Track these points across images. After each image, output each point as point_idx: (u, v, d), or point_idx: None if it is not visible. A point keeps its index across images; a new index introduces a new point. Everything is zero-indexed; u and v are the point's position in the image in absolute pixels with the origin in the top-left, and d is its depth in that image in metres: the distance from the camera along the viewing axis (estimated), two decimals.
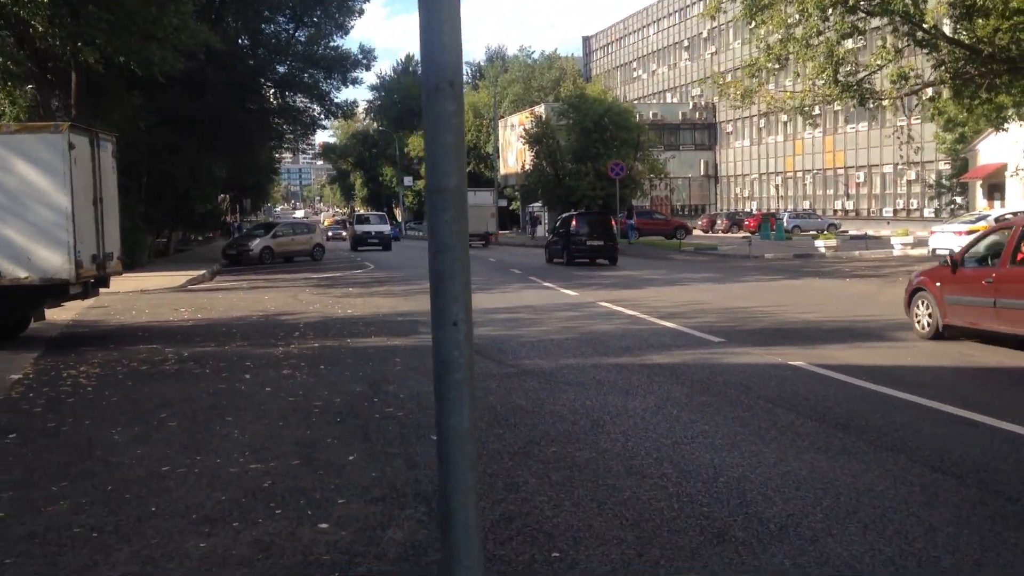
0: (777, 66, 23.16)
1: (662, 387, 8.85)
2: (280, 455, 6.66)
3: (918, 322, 12.23)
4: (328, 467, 6.34)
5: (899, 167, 59.16)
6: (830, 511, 5.26)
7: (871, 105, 25.83)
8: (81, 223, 12.07)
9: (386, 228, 50.27)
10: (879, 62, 21.99)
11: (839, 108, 62.61)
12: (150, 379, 9.89)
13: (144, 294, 21.19)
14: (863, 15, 21.76)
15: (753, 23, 23.25)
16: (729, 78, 28.47)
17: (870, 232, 51.15)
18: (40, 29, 22.11)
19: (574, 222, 30.37)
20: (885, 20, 22.34)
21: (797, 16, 21.93)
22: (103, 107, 27.26)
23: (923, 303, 12.14)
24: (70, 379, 9.93)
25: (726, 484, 5.76)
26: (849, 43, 22.46)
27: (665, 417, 7.58)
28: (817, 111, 57.31)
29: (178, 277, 25.17)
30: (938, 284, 11.86)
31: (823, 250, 31.87)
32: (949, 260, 11.96)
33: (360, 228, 50.10)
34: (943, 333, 11.71)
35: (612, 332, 12.94)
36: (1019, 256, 10.73)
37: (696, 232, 59.33)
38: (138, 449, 6.94)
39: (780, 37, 22.32)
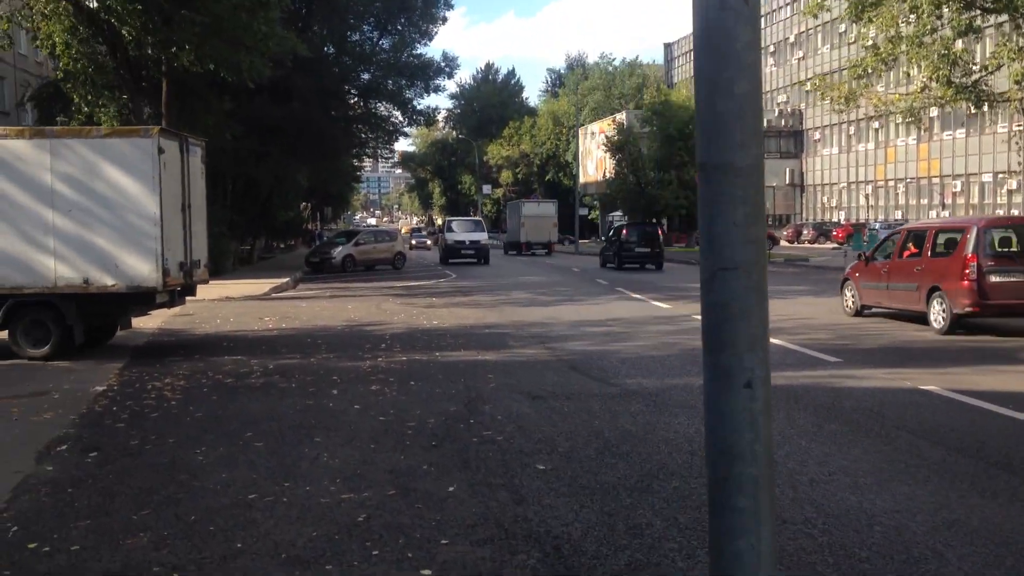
0: (884, 67, 21.93)
1: (783, 412, 8.07)
2: (374, 483, 6.12)
3: (845, 303, 16.62)
4: (427, 499, 5.76)
5: (1000, 176, 56.63)
6: (1015, 572, 4.47)
7: (987, 108, 24.34)
8: (169, 230, 11.81)
9: (483, 236, 41.13)
10: (997, 62, 20.61)
11: (949, 111, 60.53)
12: (235, 393, 9.49)
13: (229, 302, 21.09)
14: (979, 11, 20.41)
15: (860, 21, 22.01)
16: (830, 80, 26.99)
17: None
18: (132, 36, 22.28)
19: (624, 231, 34.56)
20: (1005, 17, 20.98)
21: (908, 14, 20.62)
22: (192, 114, 27.42)
23: (848, 289, 16.60)
24: (154, 392, 9.59)
25: (883, 534, 5.00)
26: (961, 43, 21.13)
27: (795, 449, 6.82)
28: (935, 112, 55.33)
29: (262, 285, 25.11)
30: (857, 275, 16.30)
31: None
32: (862, 256, 16.59)
33: (452, 237, 41.00)
34: (861, 311, 16.08)
35: None
36: (904, 253, 15.17)
37: (782, 243, 57.72)
38: (223, 473, 6.47)
39: (889, 36, 21.05)
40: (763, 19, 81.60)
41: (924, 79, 21.90)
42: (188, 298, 14.04)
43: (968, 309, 13.07)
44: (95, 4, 22.59)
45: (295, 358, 11.85)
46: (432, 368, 10.91)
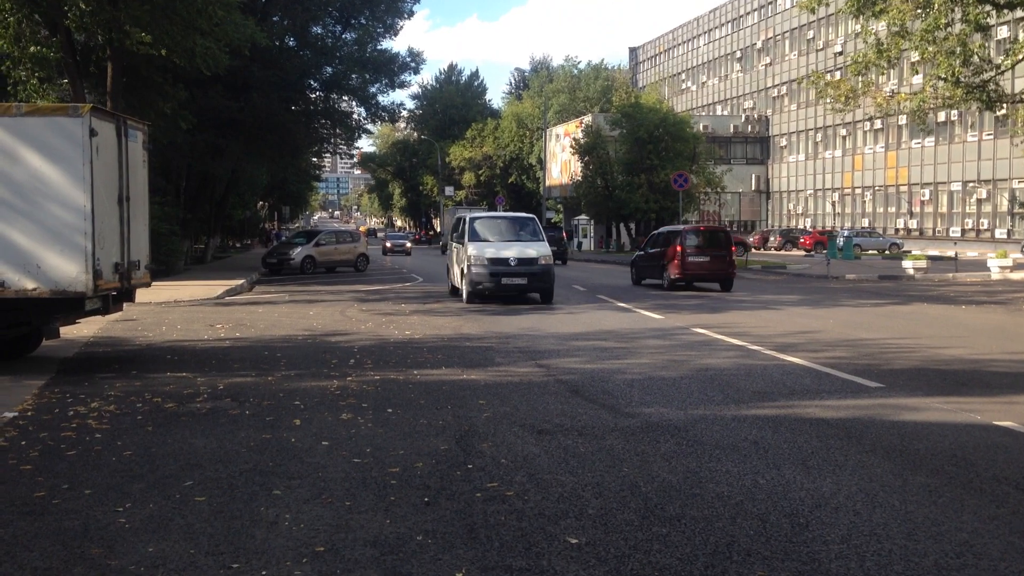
0: (886, 64, 20.71)
1: (849, 457, 6.63)
2: (354, 566, 4.55)
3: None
4: None
5: (969, 185, 56.26)
6: None
7: (998, 112, 23.30)
8: (102, 225, 10.09)
9: (542, 250, 20.03)
10: (1013, 60, 19.45)
11: (956, 113, 59.98)
12: (176, 423, 7.84)
13: (177, 306, 19.30)
14: (991, 6, 19.20)
15: (862, 16, 20.76)
16: (830, 77, 25.43)
17: (935, 252, 48.37)
18: (75, 14, 20.41)
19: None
20: (1020, 12, 19.86)
21: (920, 7, 19.37)
22: (142, 102, 25.50)
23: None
24: (76, 420, 7.90)
25: None
26: (979, 37, 19.93)
27: (892, 514, 5.36)
28: (903, 120, 54.52)
29: (215, 287, 23.30)
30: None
31: (911, 271, 29.31)
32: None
33: (482, 251, 19.77)
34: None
35: (730, 369, 10.72)
36: (677, 247, 23.74)
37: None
38: (151, 545, 4.86)
39: (894, 30, 19.83)
40: (730, 24, 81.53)
41: (935, 76, 20.64)
42: (126, 304, 12.31)
43: (676, 276, 23.84)
44: None
45: (250, 376, 10.19)
46: (411, 390, 9.33)
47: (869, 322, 16.16)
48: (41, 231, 9.76)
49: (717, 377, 10.14)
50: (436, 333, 14.39)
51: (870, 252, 53.57)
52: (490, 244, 19.72)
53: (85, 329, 13.99)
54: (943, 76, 19.64)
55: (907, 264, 30.01)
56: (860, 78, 21.94)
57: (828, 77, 25.88)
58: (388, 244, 58.59)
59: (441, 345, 12.93)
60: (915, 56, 21.14)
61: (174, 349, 12.44)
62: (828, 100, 23.56)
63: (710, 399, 8.89)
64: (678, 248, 24.09)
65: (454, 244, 22.14)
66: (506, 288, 19.36)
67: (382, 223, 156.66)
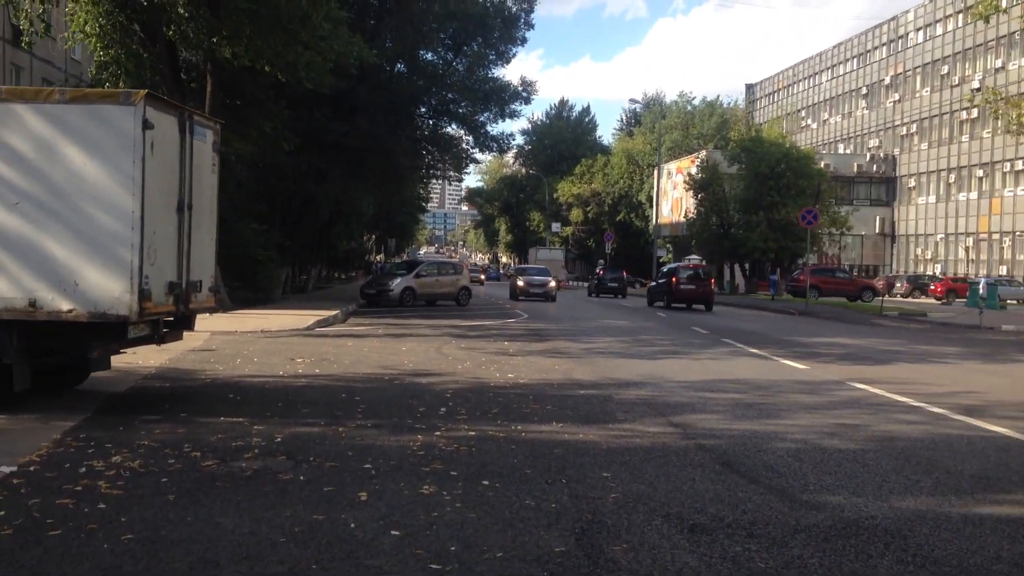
0: None
1: None
2: None
3: None
4: None
5: None
6: None
7: None
8: (154, 237, 8.45)
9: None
10: None
11: None
12: (208, 490, 5.99)
13: (263, 336, 17.80)
14: None
15: None
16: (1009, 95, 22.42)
17: None
18: (173, 21, 19.42)
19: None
20: None
21: None
22: (243, 119, 24.50)
23: None
24: (85, 480, 6.14)
25: None
26: None
27: None
28: None
29: (307, 317, 21.83)
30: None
31: None
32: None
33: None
34: None
35: (922, 440, 8.34)
36: (674, 279, 34.34)
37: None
38: None
39: None
40: (856, 60, 77.88)
41: None
42: (197, 331, 10.70)
43: (673, 298, 33.26)
44: None
45: (318, 424, 8.33)
46: (513, 453, 7.30)
47: None
48: (80, 241, 8.16)
49: (910, 451, 7.79)
50: (543, 377, 12.35)
51: (1010, 302, 49.20)
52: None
53: (152, 358, 12.47)
54: None
55: None
56: None
57: (1003, 93, 22.88)
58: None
59: (550, 392, 10.88)
60: None
61: (240, 386, 10.72)
62: (1004, 122, 20.64)
63: (916, 485, 6.58)
64: (674, 280, 34.45)
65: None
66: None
67: (487, 259, 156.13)
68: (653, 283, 37.66)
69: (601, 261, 69.23)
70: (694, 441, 8.06)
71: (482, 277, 71.96)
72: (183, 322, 9.57)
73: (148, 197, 8.28)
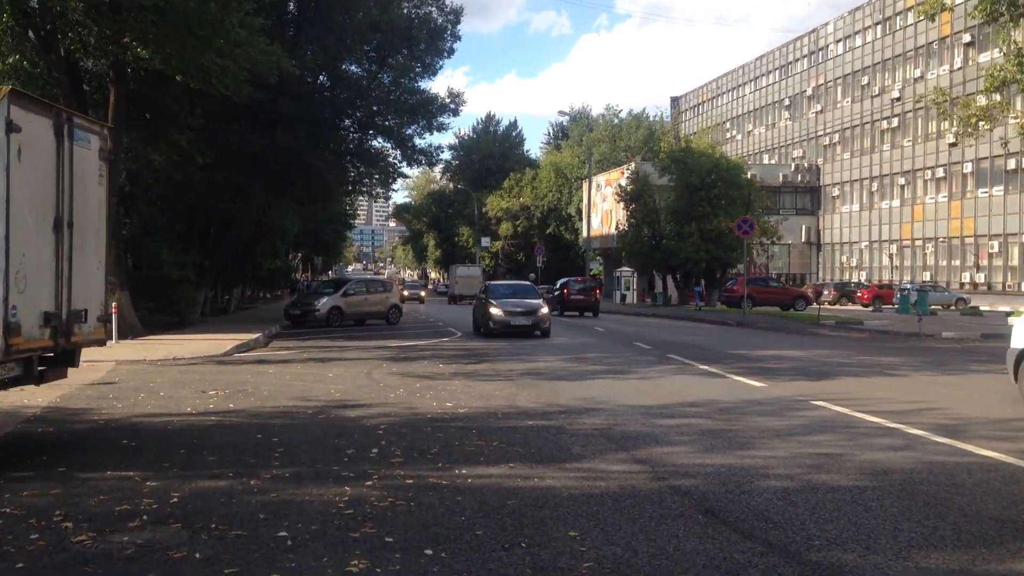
0: None
1: None
2: None
3: None
4: None
5: None
6: None
7: None
8: (24, 259, 7.10)
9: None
10: None
11: (986, 167, 56.26)
12: None
13: (174, 364, 16.32)
14: None
15: (1000, 20, 17.49)
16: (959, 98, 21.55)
17: (1006, 308, 44.47)
18: (70, 27, 17.85)
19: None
20: None
21: None
22: (153, 133, 22.91)
23: None
24: None
25: None
26: None
27: None
28: (968, 168, 50.86)
29: (226, 342, 20.34)
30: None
31: None
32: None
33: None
34: None
35: (918, 471, 7.41)
36: (565, 291, 40.54)
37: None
38: None
39: None
40: (778, 72, 78.73)
41: None
42: (78, 366, 9.28)
43: (565, 305, 38.99)
44: None
45: (224, 477, 7.05)
46: (460, 508, 6.14)
47: None
48: None
49: (911, 488, 6.84)
50: (485, 405, 11.21)
51: (934, 307, 49.70)
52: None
53: (40, 395, 10.98)
54: None
55: (1016, 320, 26.27)
56: (997, 96, 18.47)
57: (953, 96, 22.46)
58: (405, 292, 58.53)
59: (495, 425, 9.73)
60: None
61: (138, 429, 9.33)
62: (955, 124, 20.13)
63: (935, 535, 5.60)
64: (566, 291, 40.45)
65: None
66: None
67: (415, 276, 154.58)
68: (550, 294, 41.25)
69: (532, 276, 68.50)
70: (666, 482, 7.00)
71: (423, 294, 68.81)
72: (65, 358, 8.19)
73: (15, 213, 6.95)
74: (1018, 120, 19.53)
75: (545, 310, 24.75)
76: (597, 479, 7.12)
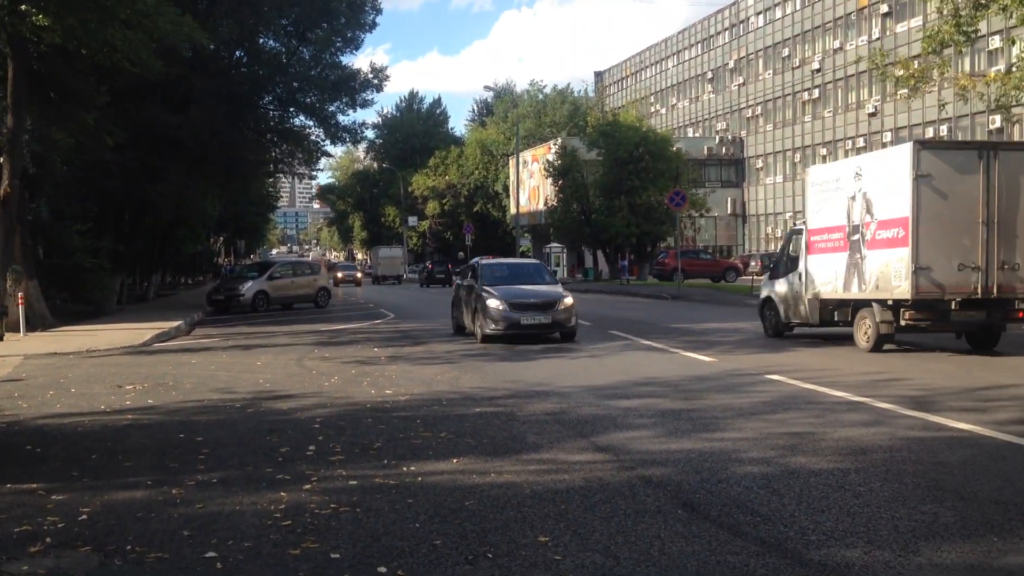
0: (964, 39, 17.21)
1: None
2: None
3: None
4: None
5: None
6: None
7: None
8: None
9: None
10: None
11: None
12: None
13: (89, 357, 15.24)
14: None
15: None
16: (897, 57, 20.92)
17: None
18: None
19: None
20: None
21: None
22: (58, 112, 21.50)
23: None
24: None
25: None
26: None
27: None
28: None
29: (145, 331, 19.21)
30: None
31: None
32: None
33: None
34: None
35: (898, 449, 6.99)
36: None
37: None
38: None
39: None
40: (700, 45, 79.05)
41: None
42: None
43: None
44: None
45: (142, 486, 6.24)
46: (412, 513, 5.46)
47: (983, 363, 12.58)
48: None
49: (896, 468, 6.39)
50: (427, 391, 10.53)
51: None
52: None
53: None
54: None
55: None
56: (934, 57, 18.27)
57: (893, 57, 22.18)
58: (339, 275, 57.51)
59: (441, 413, 9.07)
60: (1013, 21, 17.30)
61: (45, 432, 8.42)
62: (894, 84, 19.90)
63: (937, 522, 5.13)
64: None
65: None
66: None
67: (341, 258, 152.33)
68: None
69: (460, 254, 67.84)
70: (635, 472, 6.42)
71: (359, 275, 63.58)
72: None
73: None
74: (960, 81, 19.46)
75: (569, 300, 17.00)
76: (559, 471, 6.51)
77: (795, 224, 23.26)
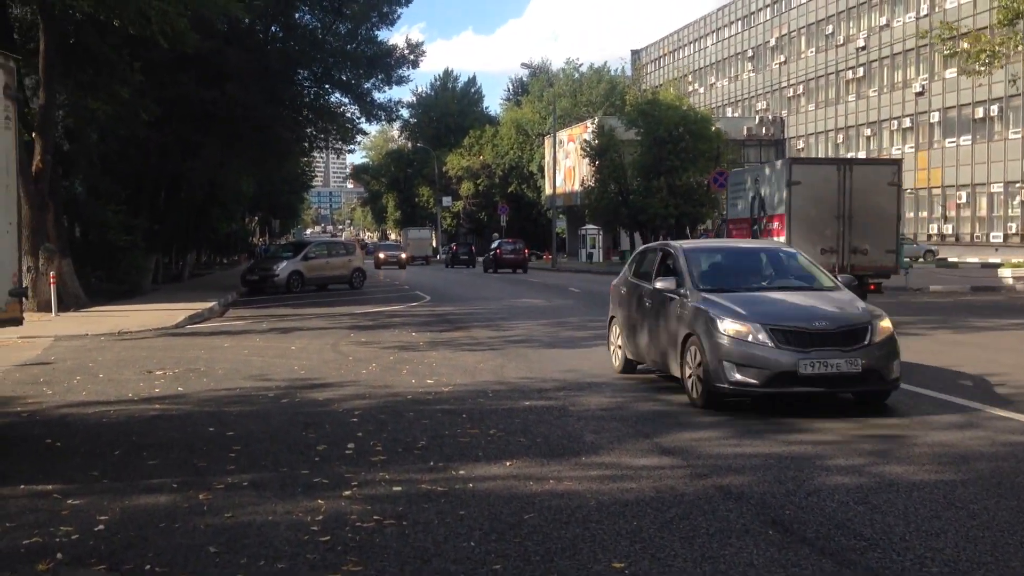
0: None
1: None
2: None
3: None
4: None
5: (1015, 185, 51.88)
6: None
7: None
8: None
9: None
10: None
11: (953, 116, 55.54)
12: None
13: (119, 339, 14.79)
14: None
15: None
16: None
17: (975, 259, 44.08)
18: None
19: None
20: None
21: None
22: (92, 84, 21.06)
23: None
24: None
25: None
26: None
27: None
28: (935, 117, 50.08)
29: (178, 312, 18.79)
30: None
31: (1011, 281, 24.85)
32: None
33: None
34: None
35: (1001, 457, 6.27)
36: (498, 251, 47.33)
37: None
38: None
39: None
40: (740, 22, 77.36)
41: None
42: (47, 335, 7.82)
43: (497, 265, 45.34)
44: None
45: (166, 489, 5.68)
46: (465, 528, 4.84)
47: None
48: None
49: (1007, 482, 5.68)
50: (471, 382, 9.91)
51: (906, 260, 49.17)
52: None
53: None
54: None
55: (1005, 273, 25.53)
56: (1008, 30, 17.17)
57: (962, 30, 21.12)
58: (382, 255, 55.58)
59: (488, 407, 8.44)
60: None
61: (68, 423, 7.91)
62: (965, 61, 18.82)
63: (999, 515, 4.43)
64: (499, 251, 46.95)
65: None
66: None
67: (375, 237, 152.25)
68: (488, 254, 49.03)
69: (495, 235, 67.02)
70: (710, 481, 5.76)
71: (403, 257, 57.17)
72: None
73: None
74: None
75: (886, 322, 8.26)
76: (625, 479, 5.86)
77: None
